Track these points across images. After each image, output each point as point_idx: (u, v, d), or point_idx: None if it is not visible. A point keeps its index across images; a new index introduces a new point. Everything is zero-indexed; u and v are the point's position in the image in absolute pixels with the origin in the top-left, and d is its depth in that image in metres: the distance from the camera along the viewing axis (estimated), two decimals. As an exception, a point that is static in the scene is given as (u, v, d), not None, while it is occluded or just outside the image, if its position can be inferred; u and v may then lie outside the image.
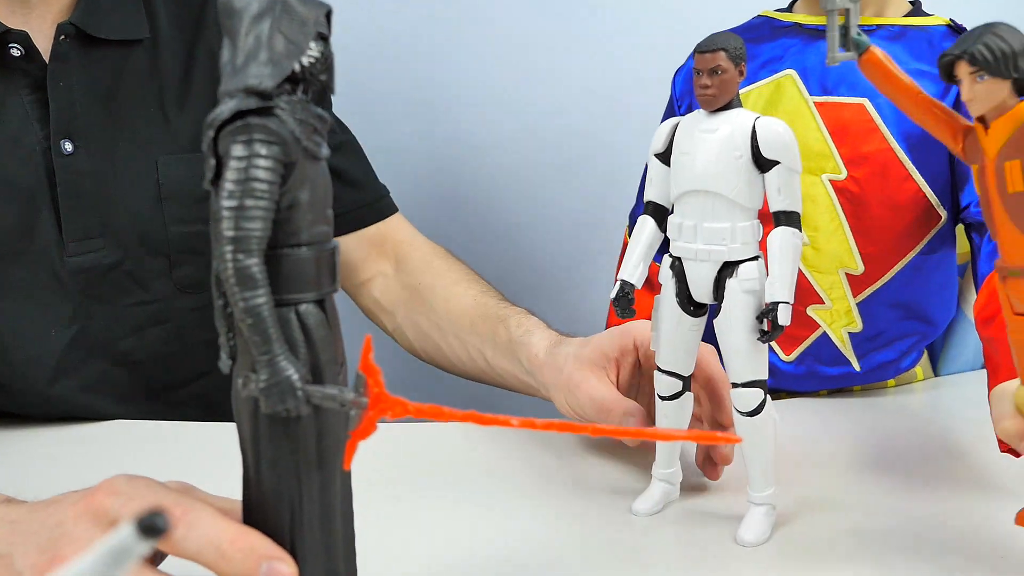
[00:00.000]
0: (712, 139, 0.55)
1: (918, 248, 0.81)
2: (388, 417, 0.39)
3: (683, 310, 0.58)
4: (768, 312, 0.54)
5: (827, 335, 0.83)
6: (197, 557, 0.42)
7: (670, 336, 0.59)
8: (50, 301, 0.80)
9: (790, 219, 0.55)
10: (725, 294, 0.56)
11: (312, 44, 0.39)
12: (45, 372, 0.80)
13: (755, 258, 0.56)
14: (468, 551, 0.58)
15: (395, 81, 1.29)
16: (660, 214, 0.59)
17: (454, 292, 0.89)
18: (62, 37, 0.79)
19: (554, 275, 1.33)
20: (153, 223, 0.83)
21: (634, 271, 0.59)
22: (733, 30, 0.88)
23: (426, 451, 0.73)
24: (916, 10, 0.86)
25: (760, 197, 0.56)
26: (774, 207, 0.55)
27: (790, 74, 0.83)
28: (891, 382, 0.88)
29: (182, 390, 0.88)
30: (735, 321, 0.56)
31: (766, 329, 0.55)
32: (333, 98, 0.97)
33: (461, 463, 0.71)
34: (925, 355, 0.91)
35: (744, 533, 0.58)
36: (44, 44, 0.80)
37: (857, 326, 0.83)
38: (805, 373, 0.84)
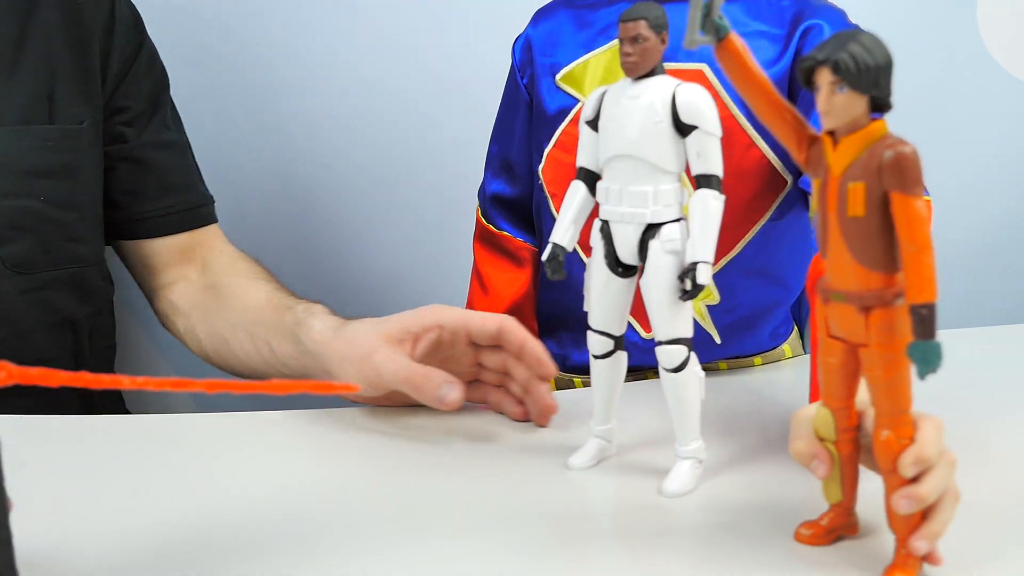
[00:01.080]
0: (635, 105, 0.57)
1: (767, 215, 0.82)
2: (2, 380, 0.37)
3: (611, 271, 0.60)
4: (688, 271, 0.56)
5: None
6: None
7: (600, 297, 0.62)
8: None
9: (709, 182, 0.57)
10: (648, 254, 0.58)
11: None
12: None
13: (678, 220, 0.58)
14: (403, 502, 0.61)
15: (232, 69, 1.27)
16: (591, 179, 0.61)
17: (250, 287, 0.89)
18: None
19: (415, 259, 1.31)
20: None
21: (564, 234, 0.61)
22: None
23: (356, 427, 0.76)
24: None
25: (683, 161, 0.58)
26: (694, 171, 0.57)
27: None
28: (758, 360, 0.89)
29: None
30: (658, 280, 0.58)
31: (687, 288, 0.57)
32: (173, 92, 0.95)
33: (397, 429, 0.73)
34: (795, 332, 0.92)
35: (668, 484, 0.60)
36: None
37: (714, 298, 0.84)
38: None
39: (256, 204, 1.31)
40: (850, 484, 0.52)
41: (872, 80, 0.45)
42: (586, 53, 0.84)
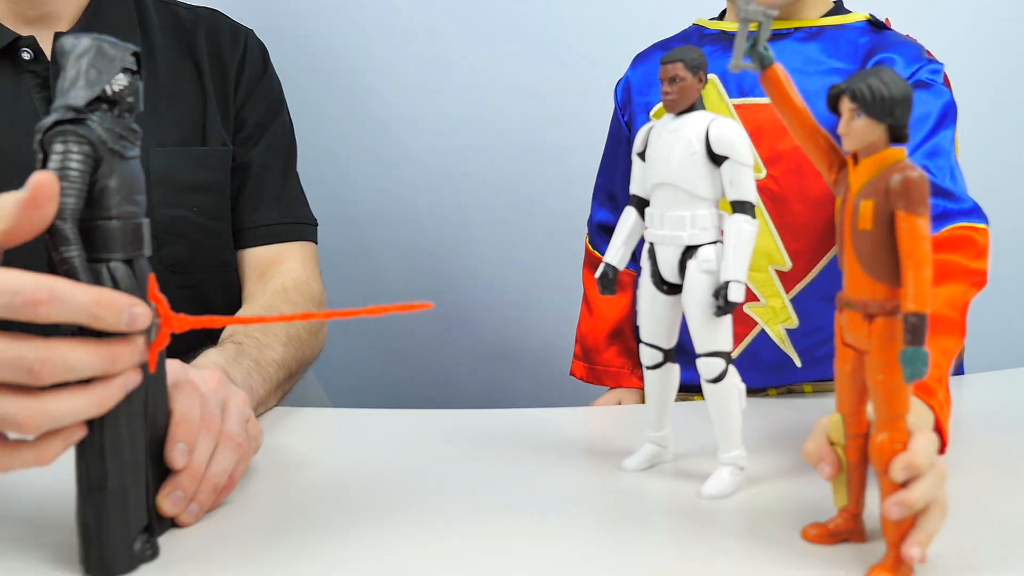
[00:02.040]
0: (675, 138, 0.63)
1: None
2: (175, 330, 0.54)
3: (657, 289, 0.66)
4: (721, 289, 0.62)
5: (765, 332, 0.87)
6: (75, 320, 0.50)
7: (648, 312, 0.67)
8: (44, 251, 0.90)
9: (743, 208, 0.62)
10: (686, 274, 0.64)
11: (119, 75, 0.52)
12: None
13: (714, 242, 0.63)
14: (469, 498, 0.68)
15: (342, 97, 1.38)
16: (641, 205, 0.68)
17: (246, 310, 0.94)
18: None
19: (529, 283, 1.38)
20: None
21: (616, 254, 0.68)
22: (668, 39, 0.94)
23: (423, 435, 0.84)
24: (837, 8, 0.87)
25: (718, 189, 0.63)
26: (728, 198, 0.62)
27: (711, 77, 0.87)
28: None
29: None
30: (695, 297, 0.63)
31: (720, 304, 0.62)
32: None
33: (452, 438, 0.81)
34: None
35: (707, 487, 0.65)
36: (50, 50, 0.93)
37: (793, 322, 0.86)
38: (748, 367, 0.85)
39: (376, 231, 1.44)
40: (856, 490, 0.55)
41: (887, 110, 0.50)
42: None
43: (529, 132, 1.38)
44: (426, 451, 0.77)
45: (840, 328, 0.54)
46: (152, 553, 0.57)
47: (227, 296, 1.03)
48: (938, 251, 0.72)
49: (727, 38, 0.88)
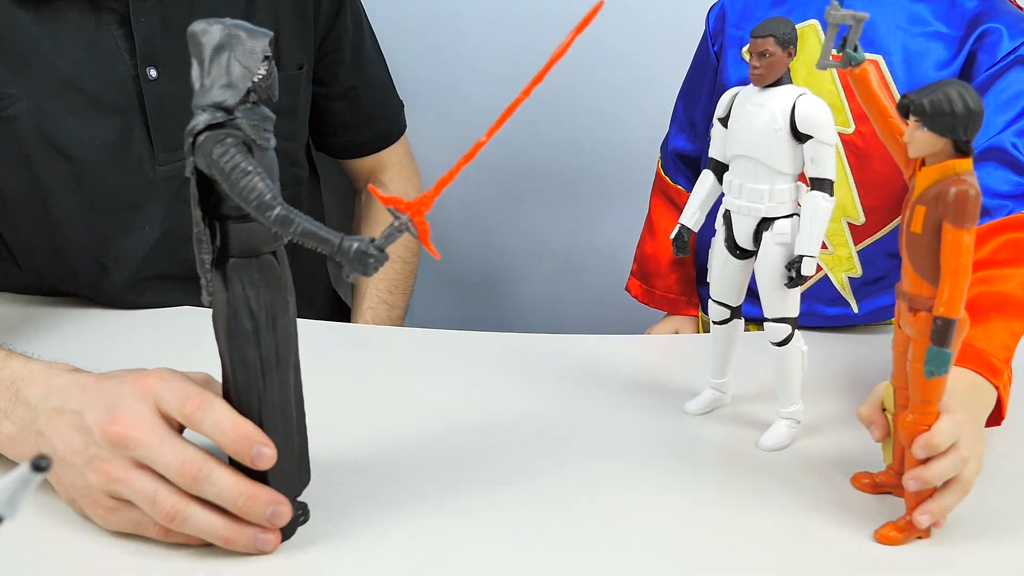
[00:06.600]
0: (759, 112, 0.64)
1: None
2: (426, 211, 0.50)
3: (730, 253, 0.69)
4: (794, 263, 0.64)
5: (828, 278, 0.89)
6: (209, 435, 0.55)
7: (720, 273, 0.70)
8: (144, 204, 0.94)
9: (821, 185, 0.64)
10: (761, 244, 0.66)
11: (260, 66, 0.50)
12: (133, 265, 0.95)
13: (790, 216, 0.66)
14: (532, 430, 0.74)
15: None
16: (720, 170, 0.69)
17: None
18: None
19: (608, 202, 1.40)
20: None
21: (691, 217, 0.70)
22: None
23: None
24: None
25: (799, 164, 0.65)
26: (808, 174, 0.64)
27: (814, 24, 0.84)
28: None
29: None
30: (768, 267, 0.66)
31: (792, 276, 0.65)
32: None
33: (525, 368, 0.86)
34: None
35: (764, 439, 0.70)
36: None
37: (857, 272, 0.88)
38: (806, 311, 0.85)
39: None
40: (900, 452, 0.61)
41: (947, 126, 0.52)
42: None
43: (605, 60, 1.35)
44: (481, 375, 0.82)
45: (897, 312, 0.58)
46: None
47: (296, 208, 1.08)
48: (1017, 230, 0.73)
49: None
